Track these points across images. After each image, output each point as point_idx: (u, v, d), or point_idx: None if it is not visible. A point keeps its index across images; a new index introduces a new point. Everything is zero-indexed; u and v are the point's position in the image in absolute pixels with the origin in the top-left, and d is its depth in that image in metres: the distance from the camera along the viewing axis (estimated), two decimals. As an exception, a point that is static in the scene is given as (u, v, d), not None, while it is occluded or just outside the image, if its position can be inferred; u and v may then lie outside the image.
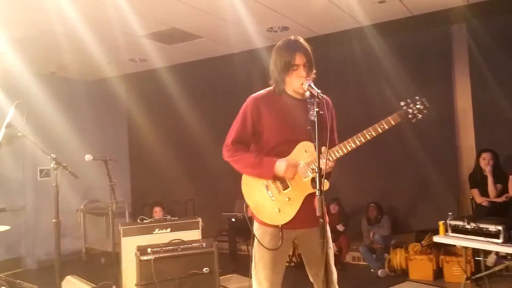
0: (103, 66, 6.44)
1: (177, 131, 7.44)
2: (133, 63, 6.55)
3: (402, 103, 2.27)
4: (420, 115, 2.25)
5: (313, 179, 2.06)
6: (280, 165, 2.27)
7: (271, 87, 2.42)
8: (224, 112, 6.94)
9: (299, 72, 2.26)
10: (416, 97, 2.27)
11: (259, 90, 2.47)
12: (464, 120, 5.53)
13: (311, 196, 1.99)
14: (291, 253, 5.31)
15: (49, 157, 3.16)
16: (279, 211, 2.32)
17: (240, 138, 2.41)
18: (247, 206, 2.43)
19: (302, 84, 2.24)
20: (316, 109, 2.04)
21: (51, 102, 6.56)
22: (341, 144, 2.26)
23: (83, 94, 7.35)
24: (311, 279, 2.50)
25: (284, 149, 2.33)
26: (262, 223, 2.39)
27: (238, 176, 6.90)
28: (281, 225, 2.33)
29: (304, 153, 2.30)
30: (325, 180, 2.22)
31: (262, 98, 2.39)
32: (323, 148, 2.08)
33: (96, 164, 4.94)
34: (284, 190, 2.32)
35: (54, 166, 3.14)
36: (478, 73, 5.34)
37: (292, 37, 2.35)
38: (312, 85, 2.19)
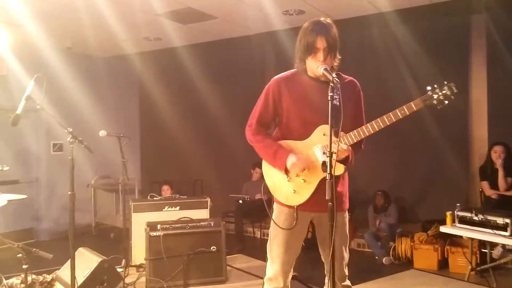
0: (119, 43, 6.48)
1: (188, 111, 7.48)
2: (148, 42, 6.56)
3: (428, 88, 2.19)
4: (447, 101, 2.17)
5: (323, 163, 2.07)
6: (290, 160, 2.29)
7: (294, 69, 2.41)
8: (237, 93, 7.01)
9: (317, 56, 2.25)
10: (444, 82, 2.19)
11: (272, 72, 2.48)
12: (478, 111, 5.48)
13: (326, 180, 2.00)
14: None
15: (66, 130, 3.20)
16: (294, 192, 2.36)
17: (262, 119, 2.44)
18: (265, 185, 2.46)
19: (318, 68, 2.22)
20: (330, 94, 2.03)
21: (67, 76, 6.63)
22: (358, 129, 2.25)
23: (99, 70, 7.40)
24: (322, 259, 2.56)
25: (303, 132, 2.35)
26: (279, 203, 2.44)
27: (246, 159, 6.86)
28: (296, 206, 2.36)
29: (322, 136, 2.30)
30: (340, 164, 2.24)
31: (285, 79, 2.40)
32: (341, 133, 2.09)
33: (108, 141, 5.01)
34: (295, 173, 2.35)
35: (71, 140, 3.18)
36: (495, 63, 5.27)
37: (322, 19, 2.31)
38: (328, 69, 2.17)
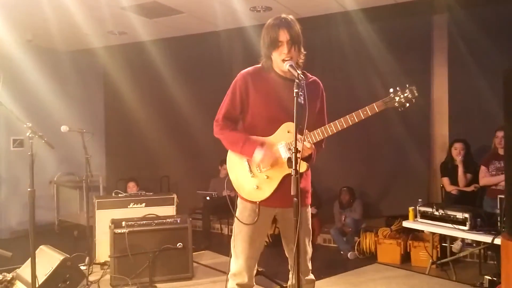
0: (83, 36, 6.32)
1: (155, 106, 7.37)
2: (113, 36, 6.42)
3: (391, 90, 2.26)
4: (408, 104, 2.24)
5: (289, 159, 2.09)
6: (257, 155, 2.30)
7: (260, 64, 2.42)
8: (205, 89, 6.97)
9: (281, 49, 2.27)
10: (406, 85, 2.26)
11: (240, 69, 2.48)
12: (440, 109, 5.64)
13: (289, 176, 2.03)
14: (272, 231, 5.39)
15: (25, 125, 3.11)
16: (257, 188, 2.38)
17: (229, 113, 2.44)
18: (229, 181, 2.47)
19: (284, 62, 2.24)
20: (295, 90, 2.04)
21: (29, 70, 6.42)
22: (322, 128, 2.30)
23: (62, 63, 7.19)
24: (286, 254, 2.57)
25: (268, 128, 2.37)
26: (243, 199, 2.45)
27: (214, 155, 6.82)
28: (258, 202, 2.38)
29: (286, 133, 2.32)
30: (303, 161, 2.27)
31: (252, 74, 2.41)
32: (305, 131, 2.11)
33: (72, 136, 4.88)
34: (264, 168, 2.36)
35: (30, 135, 3.09)
36: (456, 63, 5.43)
37: (283, 15, 2.34)
38: (294, 65, 2.20)
